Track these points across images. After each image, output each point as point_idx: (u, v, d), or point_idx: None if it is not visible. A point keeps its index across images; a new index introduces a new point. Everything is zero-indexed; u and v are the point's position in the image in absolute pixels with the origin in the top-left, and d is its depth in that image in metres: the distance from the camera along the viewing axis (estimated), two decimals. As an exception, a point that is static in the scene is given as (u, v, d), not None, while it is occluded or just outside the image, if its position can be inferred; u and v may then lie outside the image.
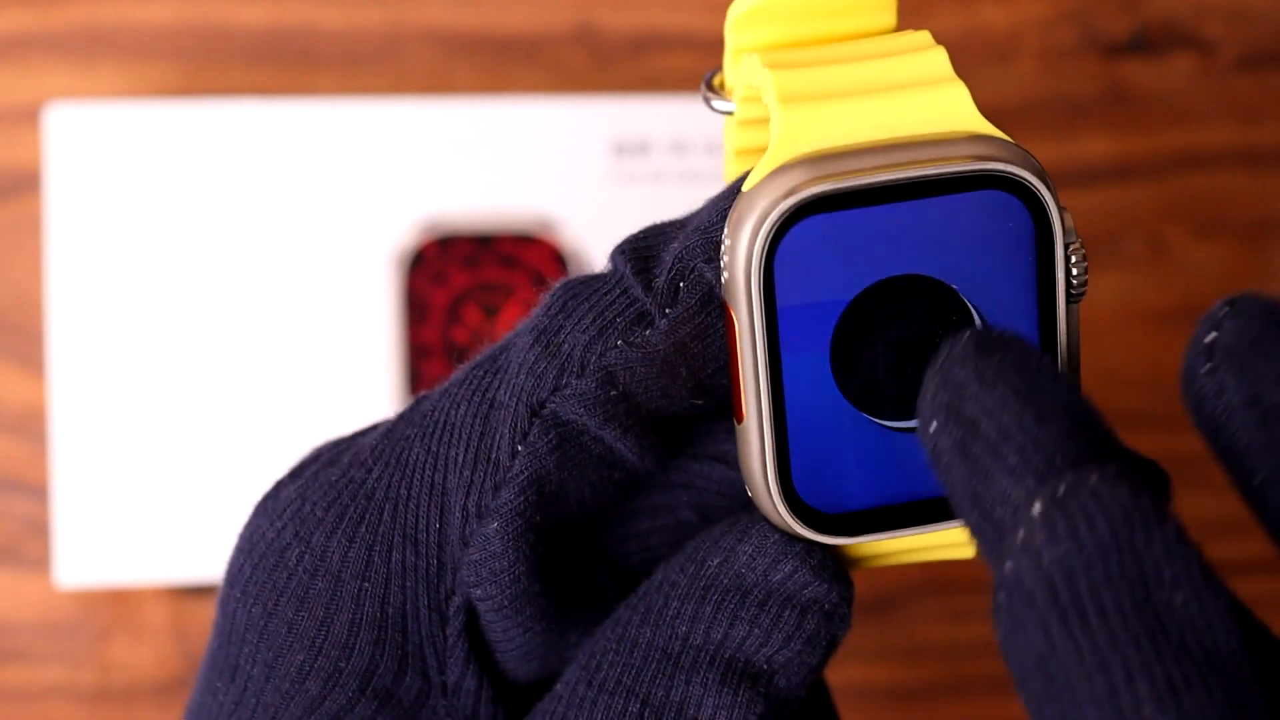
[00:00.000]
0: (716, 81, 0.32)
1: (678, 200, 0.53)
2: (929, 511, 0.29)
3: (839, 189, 0.27)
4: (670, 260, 0.29)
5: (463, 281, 0.53)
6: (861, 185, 0.28)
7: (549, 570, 0.31)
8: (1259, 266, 0.56)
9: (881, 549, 0.30)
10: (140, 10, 0.54)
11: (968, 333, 0.25)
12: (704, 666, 0.29)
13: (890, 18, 0.30)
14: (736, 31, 0.31)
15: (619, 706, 0.29)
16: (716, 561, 0.30)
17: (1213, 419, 0.26)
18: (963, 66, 0.58)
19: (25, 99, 0.54)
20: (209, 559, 0.52)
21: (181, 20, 0.54)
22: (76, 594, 0.53)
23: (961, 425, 0.25)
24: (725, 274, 0.28)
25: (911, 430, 0.29)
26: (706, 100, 0.32)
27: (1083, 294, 0.29)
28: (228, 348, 0.52)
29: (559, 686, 0.30)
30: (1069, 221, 0.29)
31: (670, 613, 0.30)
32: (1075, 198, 0.55)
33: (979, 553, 0.26)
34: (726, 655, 0.29)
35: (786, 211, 0.28)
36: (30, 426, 0.54)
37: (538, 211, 0.53)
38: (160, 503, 0.52)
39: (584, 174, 0.53)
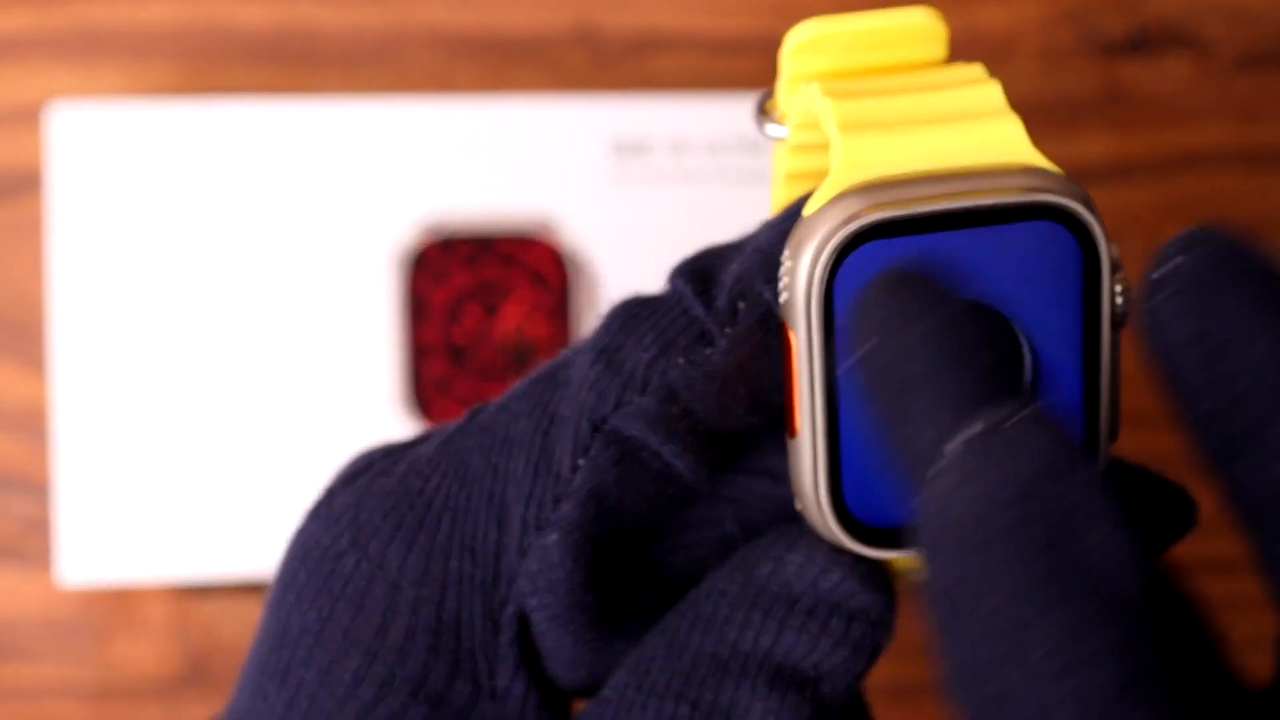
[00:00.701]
0: (768, 106, 0.33)
1: (678, 200, 0.53)
2: None
3: (897, 216, 0.28)
4: (730, 281, 0.30)
5: (463, 281, 0.53)
6: (918, 213, 0.28)
7: (600, 579, 0.31)
8: (1257, 266, 0.56)
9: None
10: (141, 10, 0.54)
11: (893, 266, 0.26)
12: (753, 672, 0.30)
13: (941, 50, 0.31)
14: (793, 59, 0.31)
15: (669, 710, 0.30)
16: (766, 570, 0.30)
17: (1162, 347, 0.27)
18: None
19: (26, 99, 0.54)
20: (211, 558, 0.52)
21: (182, 20, 0.54)
22: (78, 592, 0.54)
23: (888, 356, 0.26)
24: (785, 295, 0.29)
25: None
26: (759, 125, 0.33)
27: (1125, 321, 0.30)
28: (229, 347, 0.52)
29: (607, 691, 0.31)
30: (1115, 252, 0.30)
31: (720, 619, 0.30)
32: (1074, 197, 0.55)
33: (904, 484, 0.26)
34: (775, 661, 0.30)
35: (847, 237, 0.28)
36: (32, 425, 0.54)
37: (538, 211, 0.53)
38: (162, 501, 0.52)
39: (584, 174, 0.53)
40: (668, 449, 0.30)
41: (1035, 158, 0.29)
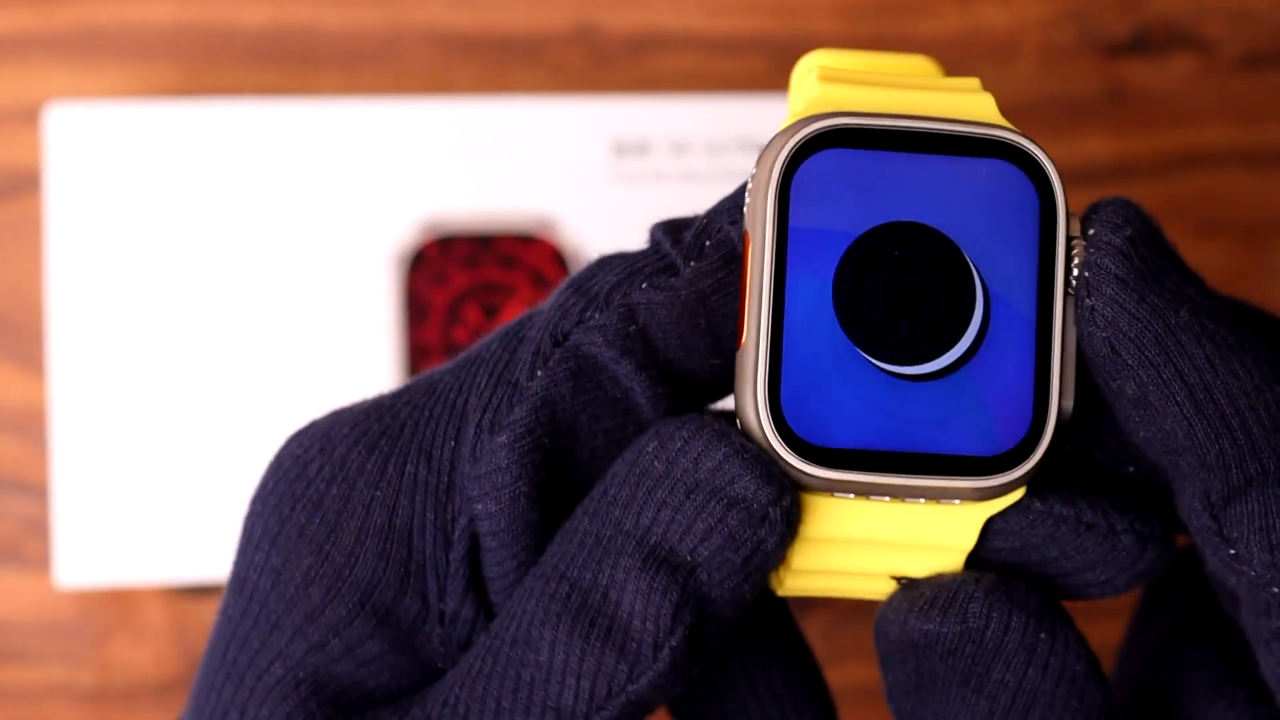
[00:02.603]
0: None
1: (678, 200, 0.53)
2: (914, 464, 0.30)
3: (858, 124, 0.29)
4: (699, 222, 0.31)
5: (463, 281, 0.53)
6: (881, 126, 0.29)
7: (551, 512, 0.31)
8: (1259, 266, 0.56)
9: (822, 560, 0.31)
10: (140, 10, 0.54)
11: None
12: (628, 551, 0.30)
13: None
14: (797, 90, 0.32)
15: (551, 589, 0.30)
16: (652, 447, 0.30)
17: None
18: (963, 66, 0.59)
19: (25, 99, 0.54)
20: (209, 559, 0.52)
21: (181, 20, 0.54)
22: (76, 594, 0.53)
23: None
24: (748, 200, 0.30)
25: (905, 377, 0.30)
26: None
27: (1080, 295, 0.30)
28: (228, 347, 0.52)
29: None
30: (1075, 225, 0.30)
31: (607, 500, 0.30)
32: (1075, 198, 0.55)
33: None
34: (651, 542, 0.30)
35: (807, 136, 0.29)
36: (30, 426, 0.54)
37: (538, 211, 0.53)
38: (160, 503, 0.52)
39: (584, 174, 0.53)
40: (623, 367, 0.30)
41: (1005, 124, 0.30)
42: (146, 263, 0.52)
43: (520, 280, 0.53)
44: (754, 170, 0.30)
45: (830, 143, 0.29)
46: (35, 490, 0.53)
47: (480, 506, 0.31)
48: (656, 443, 0.30)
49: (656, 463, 0.30)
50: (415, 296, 0.53)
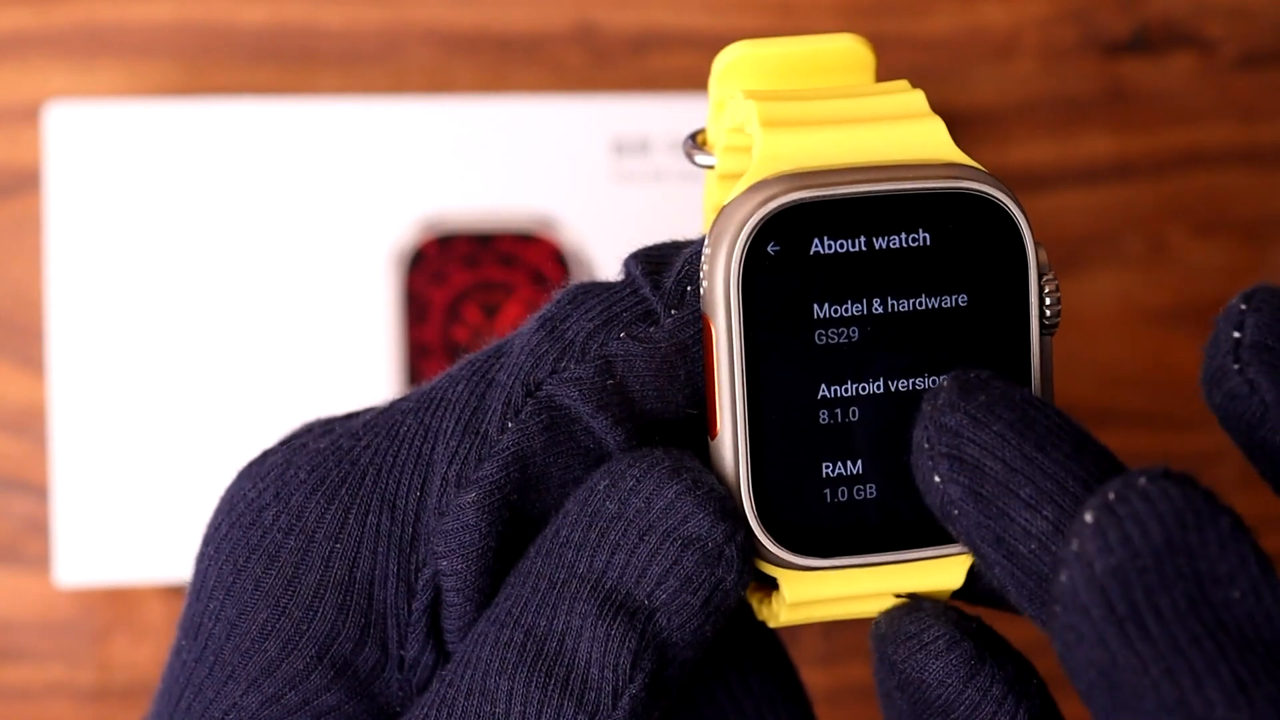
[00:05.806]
0: (700, 139, 0.33)
1: (678, 199, 0.53)
2: (902, 536, 0.29)
3: (815, 198, 0.28)
4: (679, 265, 0.30)
5: (463, 280, 0.53)
6: (837, 195, 0.28)
7: (511, 565, 0.31)
8: (1259, 266, 0.56)
9: (822, 592, 0.30)
10: (140, 9, 0.54)
11: (947, 379, 0.26)
12: (583, 596, 0.29)
13: (869, 77, 0.31)
14: (720, 83, 0.31)
15: (505, 637, 0.29)
16: (603, 486, 0.29)
17: (1243, 418, 0.26)
18: (963, 66, 0.59)
19: (25, 98, 0.54)
20: (209, 558, 0.52)
21: (181, 19, 0.54)
22: (76, 593, 0.53)
23: (966, 470, 0.26)
24: (704, 283, 0.29)
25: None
26: (689, 156, 0.33)
27: (1055, 327, 0.29)
28: (227, 347, 0.52)
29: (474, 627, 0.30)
30: (1043, 256, 0.29)
31: (559, 540, 0.29)
32: (1075, 197, 0.55)
33: (1009, 595, 0.26)
34: (607, 586, 0.29)
35: (764, 218, 0.28)
36: (30, 425, 0.54)
37: (538, 210, 0.53)
38: (160, 502, 0.52)
39: (584, 173, 0.53)
40: (599, 422, 0.29)
41: (958, 156, 0.29)
42: (146, 262, 0.52)
43: (520, 279, 0.53)
44: (706, 244, 0.29)
45: (788, 218, 0.28)
46: (35, 490, 0.53)
47: (445, 563, 0.30)
48: (608, 481, 0.29)
49: (608, 503, 0.29)
50: (415, 295, 0.53)
